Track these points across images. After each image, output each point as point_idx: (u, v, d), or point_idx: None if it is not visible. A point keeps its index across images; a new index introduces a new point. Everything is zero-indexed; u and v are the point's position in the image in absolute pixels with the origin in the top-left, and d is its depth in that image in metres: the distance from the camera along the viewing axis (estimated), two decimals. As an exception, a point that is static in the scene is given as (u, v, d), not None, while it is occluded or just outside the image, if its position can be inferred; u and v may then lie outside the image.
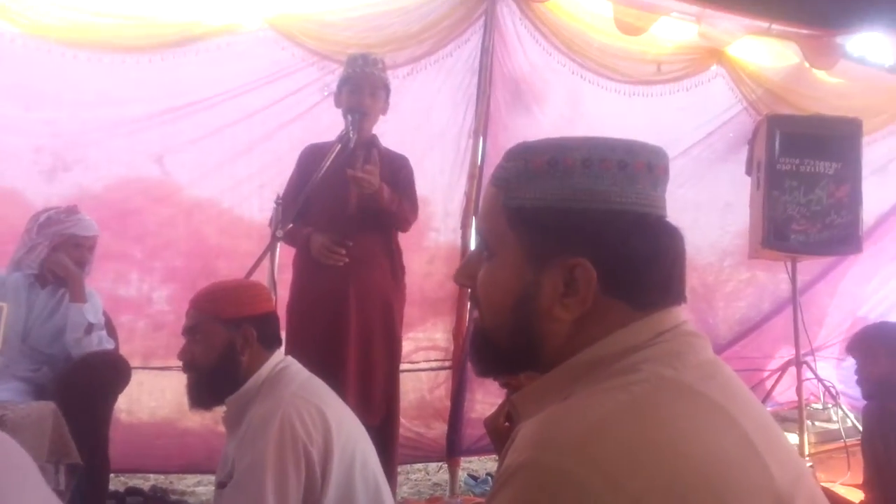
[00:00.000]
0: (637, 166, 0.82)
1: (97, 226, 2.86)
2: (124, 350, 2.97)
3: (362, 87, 2.83)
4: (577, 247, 0.81)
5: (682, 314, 0.84)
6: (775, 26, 3.86)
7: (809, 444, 3.67)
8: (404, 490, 3.52)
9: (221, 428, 1.93)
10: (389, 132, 3.08)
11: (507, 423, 1.64)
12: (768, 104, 4.07)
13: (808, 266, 4.21)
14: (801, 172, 3.85)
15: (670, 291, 0.83)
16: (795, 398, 3.79)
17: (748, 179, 4.01)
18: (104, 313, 2.82)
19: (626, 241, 0.80)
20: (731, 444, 0.72)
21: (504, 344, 0.87)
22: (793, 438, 3.74)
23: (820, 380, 3.92)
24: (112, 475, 2.85)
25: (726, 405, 0.75)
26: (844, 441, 3.57)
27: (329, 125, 3.10)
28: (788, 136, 3.85)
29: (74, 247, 2.74)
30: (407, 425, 3.36)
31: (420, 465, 3.86)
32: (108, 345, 2.72)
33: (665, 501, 0.66)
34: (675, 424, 0.71)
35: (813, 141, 3.85)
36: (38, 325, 2.69)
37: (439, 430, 3.63)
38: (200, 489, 3.41)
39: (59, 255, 2.71)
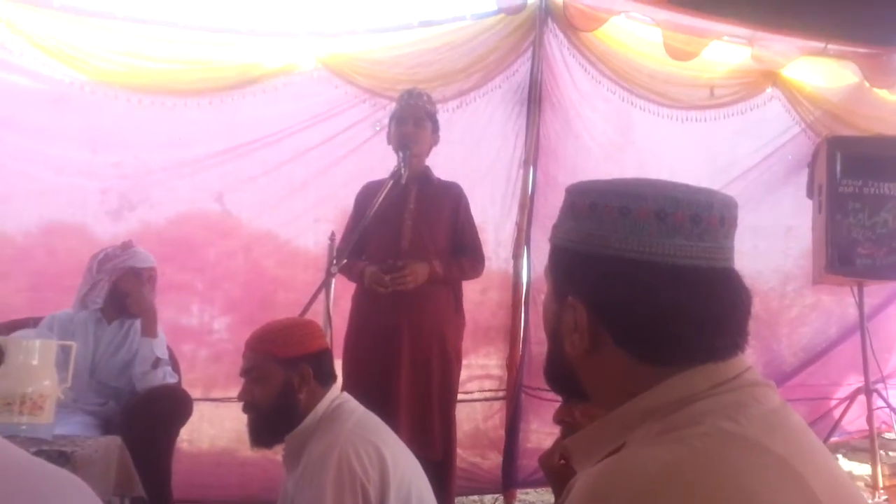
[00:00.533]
0: (640, 213, 0.80)
1: (153, 258, 2.93)
2: (186, 379, 3.06)
3: (406, 119, 2.91)
4: (576, 288, 0.83)
5: (745, 362, 0.81)
6: (831, 46, 3.78)
7: (883, 476, 3.51)
8: (460, 523, 3.49)
9: (280, 458, 1.97)
10: (440, 165, 3.12)
11: (562, 461, 1.62)
12: (827, 125, 3.97)
13: (876, 290, 4.06)
14: (865, 194, 3.74)
15: (705, 344, 0.79)
16: (866, 427, 3.64)
17: (810, 202, 3.90)
18: (168, 349, 2.91)
19: (617, 288, 0.80)
20: (796, 502, 0.70)
21: (552, 368, 0.91)
22: (865, 469, 3.59)
23: (892, 408, 3.77)
24: (174, 506, 2.91)
25: (791, 459, 0.72)
26: (922, 474, 3.41)
27: (381, 158, 3.17)
28: (850, 158, 3.75)
29: (135, 279, 2.83)
30: (462, 455, 3.34)
31: (475, 497, 3.83)
32: (172, 379, 2.79)
33: None
34: (735, 481, 0.69)
35: (876, 162, 3.75)
36: (105, 360, 2.79)
37: (494, 460, 3.60)
38: (260, 520, 3.45)
39: (143, 287, 2.80)
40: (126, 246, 2.89)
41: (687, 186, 0.84)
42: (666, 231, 0.80)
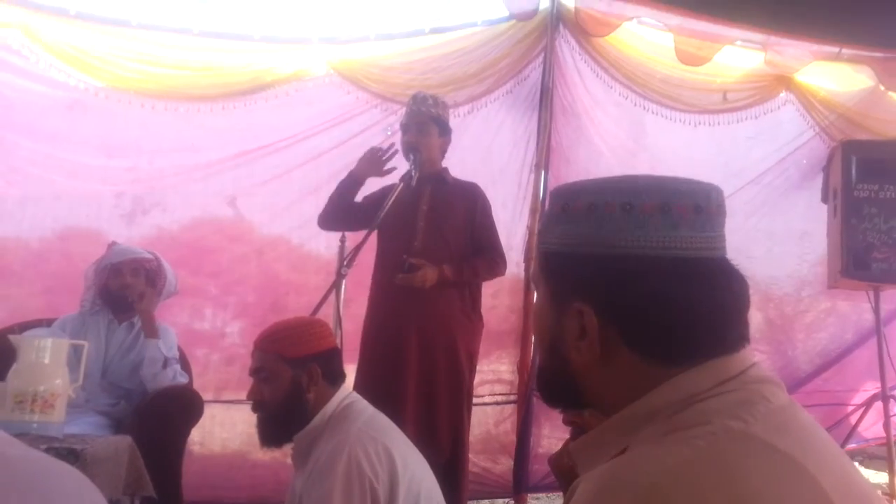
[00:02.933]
0: (645, 208, 0.78)
1: (141, 249, 2.91)
2: (198, 383, 3.07)
3: (409, 126, 2.95)
4: (583, 292, 0.80)
5: (749, 358, 0.79)
6: (845, 50, 3.75)
7: (900, 484, 3.46)
8: (471, 527, 3.48)
9: (290, 461, 1.97)
10: (452, 168, 3.13)
11: (572, 463, 1.60)
12: (842, 129, 3.94)
13: (892, 295, 4.00)
14: (881, 199, 3.70)
15: (717, 337, 0.78)
16: (883, 434, 3.59)
17: (825, 207, 3.87)
18: (179, 349, 2.92)
19: (628, 286, 0.78)
20: (805, 501, 0.68)
21: (550, 380, 0.88)
22: (881, 478, 3.54)
23: (909, 416, 3.70)
24: (185, 507, 2.92)
25: (801, 459, 0.70)
26: (939, 482, 3.35)
27: (392, 164, 3.17)
28: (865, 162, 3.72)
29: (117, 275, 2.83)
30: (473, 460, 3.33)
31: (486, 501, 3.81)
32: (182, 379, 2.81)
33: None
34: (742, 482, 0.67)
35: (892, 166, 3.71)
36: (117, 361, 2.81)
37: (506, 465, 3.59)
38: (270, 522, 3.46)
39: (129, 281, 2.79)
40: (109, 247, 2.92)
41: (676, 178, 0.82)
42: (671, 224, 0.78)
